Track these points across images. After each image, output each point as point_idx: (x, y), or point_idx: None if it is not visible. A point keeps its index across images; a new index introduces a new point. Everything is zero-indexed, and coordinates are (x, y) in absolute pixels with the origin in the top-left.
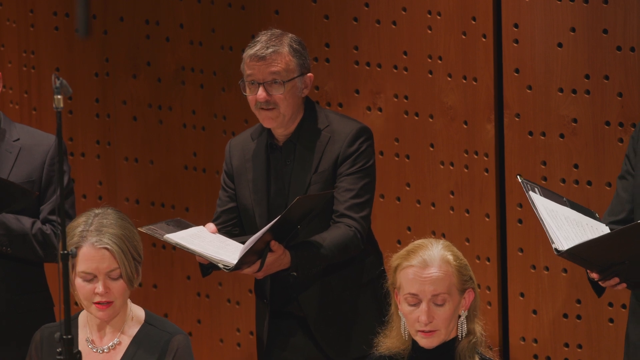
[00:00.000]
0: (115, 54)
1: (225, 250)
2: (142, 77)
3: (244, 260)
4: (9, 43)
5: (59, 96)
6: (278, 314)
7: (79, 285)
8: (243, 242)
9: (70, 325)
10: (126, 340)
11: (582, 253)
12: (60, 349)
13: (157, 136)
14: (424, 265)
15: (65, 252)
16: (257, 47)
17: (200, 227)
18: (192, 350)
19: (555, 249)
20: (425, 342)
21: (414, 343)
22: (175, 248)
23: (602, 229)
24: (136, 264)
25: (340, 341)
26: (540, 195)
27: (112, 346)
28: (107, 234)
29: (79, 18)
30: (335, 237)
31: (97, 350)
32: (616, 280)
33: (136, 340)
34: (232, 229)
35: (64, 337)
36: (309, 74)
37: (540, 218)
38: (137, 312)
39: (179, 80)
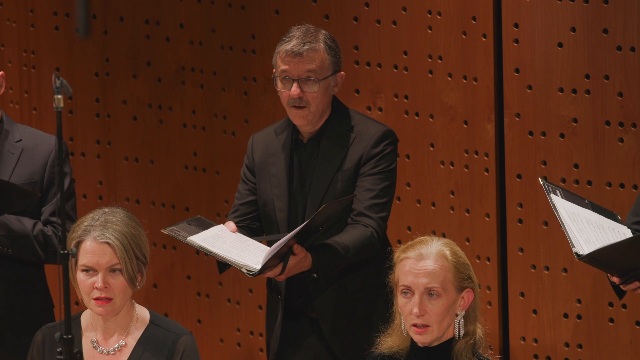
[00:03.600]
0: (115, 54)
1: (247, 252)
2: (142, 77)
3: (267, 265)
4: (9, 43)
5: (59, 96)
6: (290, 315)
7: (80, 279)
8: (262, 242)
9: (71, 325)
10: (132, 342)
11: (602, 257)
12: (60, 349)
13: (157, 136)
14: (420, 258)
15: (65, 252)
16: (293, 43)
17: (221, 227)
18: (198, 350)
19: (576, 253)
20: (418, 338)
21: (413, 342)
22: (176, 247)
23: (624, 232)
24: (139, 264)
25: (354, 343)
26: (562, 197)
27: (117, 348)
28: (110, 229)
29: (79, 18)
30: (354, 238)
31: (102, 351)
32: (637, 284)
33: (142, 342)
34: (250, 222)
35: (64, 337)
36: (341, 72)
37: (561, 221)
38: (142, 313)
39: (179, 80)
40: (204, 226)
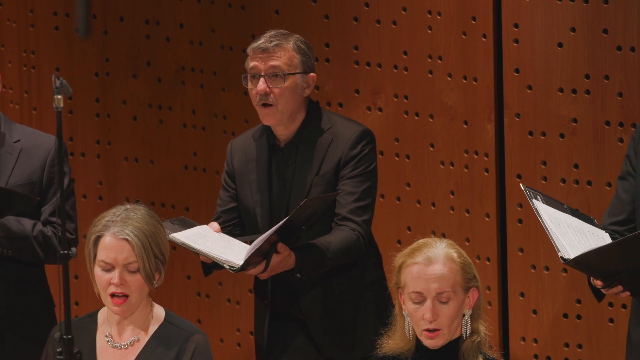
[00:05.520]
0: (115, 54)
1: (230, 250)
2: (142, 77)
3: (249, 261)
4: (9, 43)
5: (59, 96)
6: (278, 316)
7: (97, 274)
8: (246, 242)
9: (70, 325)
10: (145, 338)
11: (588, 261)
12: (60, 349)
13: (157, 136)
14: (428, 263)
15: (65, 252)
16: (261, 41)
17: (204, 226)
18: (210, 349)
19: (562, 257)
20: (429, 342)
21: (418, 343)
22: (176, 247)
23: (602, 236)
24: (157, 262)
25: (342, 343)
26: (543, 202)
27: (130, 343)
28: (130, 226)
29: (79, 18)
30: (340, 240)
31: (115, 346)
32: (619, 288)
33: (155, 338)
34: (232, 229)
35: (64, 337)
36: (312, 74)
37: (545, 226)
38: (157, 311)
39: (179, 80)
40: (187, 226)
